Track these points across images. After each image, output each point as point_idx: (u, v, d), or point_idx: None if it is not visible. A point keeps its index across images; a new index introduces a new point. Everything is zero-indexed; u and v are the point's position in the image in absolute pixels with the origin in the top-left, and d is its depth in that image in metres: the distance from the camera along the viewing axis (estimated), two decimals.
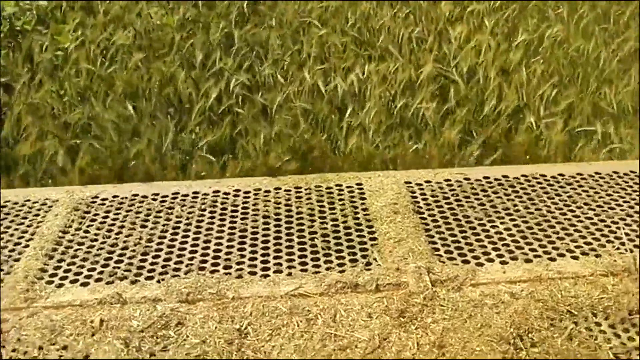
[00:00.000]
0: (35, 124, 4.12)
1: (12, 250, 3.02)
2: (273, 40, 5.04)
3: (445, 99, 4.41)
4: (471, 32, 5.13)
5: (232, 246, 3.00)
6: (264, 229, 3.13)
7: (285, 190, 3.45)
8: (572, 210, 3.26)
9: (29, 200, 3.43)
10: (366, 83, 4.50)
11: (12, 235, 3.14)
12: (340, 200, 3.35)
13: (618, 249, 2.96)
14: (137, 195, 3.44)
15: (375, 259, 2.89)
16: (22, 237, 3.12)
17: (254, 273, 2.82)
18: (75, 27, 5.15)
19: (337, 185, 3.49)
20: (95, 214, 3.29)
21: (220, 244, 3.03)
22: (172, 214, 3.27)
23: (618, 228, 3.12)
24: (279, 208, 3.29)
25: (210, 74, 4.65)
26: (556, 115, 4.23)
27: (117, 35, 5.00)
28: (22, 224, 3.23)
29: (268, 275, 2.80)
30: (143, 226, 3.18)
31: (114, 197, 3.44)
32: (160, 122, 4.15)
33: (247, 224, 3.17)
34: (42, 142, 3.98)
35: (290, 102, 4.33)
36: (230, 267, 2.86)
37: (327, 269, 2.84)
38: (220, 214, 3.26)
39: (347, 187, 3.47)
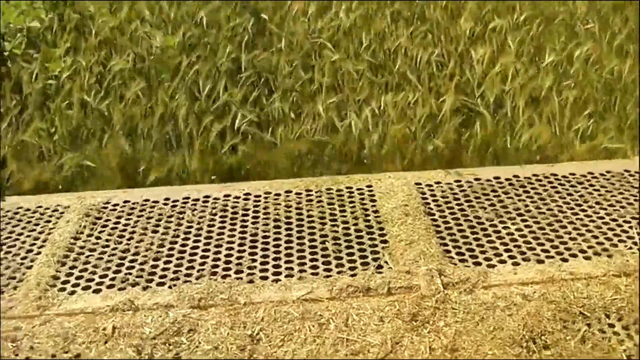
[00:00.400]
0: (22, 170, 3.95)
1: (25, 258, 3.03)
2: (282, 66, 4.72)
3: (470, 134, 4.14)
4: (495, 53, 4.76)
5: (244, 251, 3.01)
6: (274, 233, 3.13)
7: (296, 194, 3.45)
8: (583, 210, 3.25)
9: (40, 207, 3.44)
10: (383, 117, 4.19)
11: (24, 242, 3.15)
12: (350, 202, 3.35)
13: (631, 248, 2.95)
14: (148, 200, 3.45)
15: (386, 262, 2.88)
16: (34, 244, 3.13)
17: (266, 278, 2.82)
18: (68, 49, 4.90)
19: (347, 187, 3.49)
20: (107, 220, 3.29)
21: (232, 248, 3.03)
22: (183, 218, 3.28)
23: (630, 227, 3.10)
24: (289, 211, 3.29)
25: (215, 107, 4.36)
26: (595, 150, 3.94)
27: (114, 60, 4.72)
28: (34, 230, 3.24)
29: (279, 280, 2.80)
30: (154, 232, 3.18)
31: (125, 202, 3.44)
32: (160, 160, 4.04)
33: (258, 228, 3.17)
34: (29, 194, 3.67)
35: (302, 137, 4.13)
36: (242, 272, 2.86)
37: (339, 272, 2.83)
38: (231, 218, 3.26)
39: (358, 189, 3.47)
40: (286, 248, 3.01)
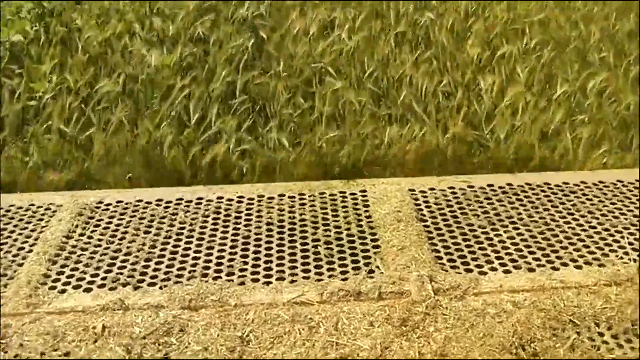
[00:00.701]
0: None
1: (16, 255, 3.03)
2: (280, 92, 4.38)
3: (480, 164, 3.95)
4: (504, 82, 4.47)
5: (235, 253, 3.01)
6: (267, 236, 3.13)
7: (289, 197, 3.45)
8: (575, 219, 3.25)
9: (33, 205, 3.44)
10: (388, 155, 3.95)
11: (15, 239, 3.15)
12: (343, 207, 3.35)
13: (621, 258, 2.95)
14: (141, 200, 3.45)
15: (377, 267, 2.89)
16: (26, 241, 3.13)
17: (257, 280, 2.82)
18: (54, 66, 4.56)
19: (341, 192, 3.49)
20: (99, 219, 3.29)
21: (223, 250, 3.03)
22: (175, 220, 3.28)
23: (622, 237, 3.11)
24: (282, 215, 3.29)
25: (206, 136, 4.03)
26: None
27: (103, 82, 4.38)
28: (26, 228, 3.24)
29: (270, 283, 2.80)
30: (147, 232, 3.18)
31: (118, 202, 3.44)
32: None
33: (250, 231, 3.17)
34: None
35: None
36: (233, 274, 2.86)
37: (330, 276, 2.84)
38: (224, 220, 3.26)
39: (351, 194, 3.47)
40: (278, 251, 3.01)
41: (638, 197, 3.44)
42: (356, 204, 3.38)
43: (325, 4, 5.35)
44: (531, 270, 2.87)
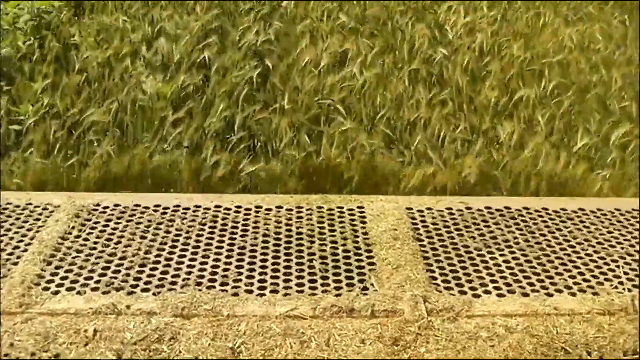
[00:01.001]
0: None
1: (11, 254, 3.02)
2: (284, 131, 4.14)
3: None
4: (524, 131, 4.33)
5: (230, 263, 3.00)
6: (262, 247, 3.13)
7: (286, 209, 3.45)
8: (572, 246, 3.25)
9: (30, 204, 3.43)
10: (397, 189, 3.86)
11: (11, 238, 3.14)
12: (340, 222, 3.35)
13: (616, 288, 2.95)
14: (138, 205, 3.45)
15: (372, 284, 2.88)
16: (22, 241, 3.12)
17: (250, 291, 2.81)
18: (47, 86, 4.39)
19: (338, 207, 3.49)
20: (96, 222, 3.29)
21: (219, 259, 3.02)
22: (172, 226, 3.27)
23: (617, 266, 3.11)
24: (279, 227, 3.29)
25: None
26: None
27: (93, 108, 4.19)
28: (22, 227, 3.23)
29: (264, 295, 2.80)
30: (142, 237, 3.18)
31: (116, 205, 3.44)
32: None
33: (246, 241, 3.17)
34: None
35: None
36: (227, 284, 2.86)
37: (324, 291, 2.83)
38: (220, 230, 3.26)
39: (349, 209, 3.47)
40: (273, 263, 3.01)
41: (638, 227, 3.44)
42: (353, 219, 3.38)
43: (337, 34, 5.27)
44: (525, 295, 2.87)
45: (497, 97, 4.64)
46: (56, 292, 2.77)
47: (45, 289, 2.79)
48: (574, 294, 2.89)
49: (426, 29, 5.39)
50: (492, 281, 2.95)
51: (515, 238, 3.29)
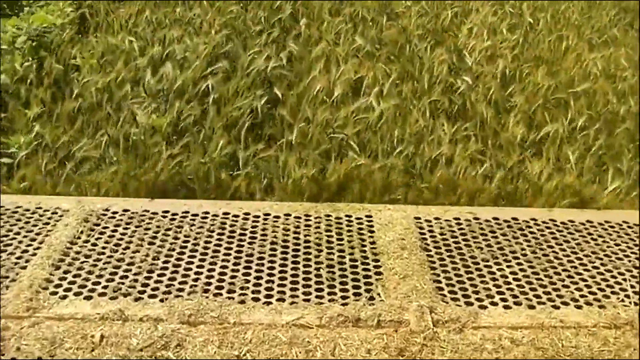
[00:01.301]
0: None
1: (20, 258, 3.04)
2: (292, 169, 3.85)
3: None
4: (553, 170, 4.07)
5: (237, 270, 3.01)
6: (270, 255, 3.13)
7: (295, 217, 3.46)
8: (579, 258, 3.25)
9: (40, 208, 3.45)
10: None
11: (20, 242, 3.16)
12: (348, 231, 3.36)
13: (622, 301, 2.95)
14: (147, 211, 3.46)
15: (378, 294, 2.89)
16: (31, 245, 3.14)
17: (257, 299, 2.82)
18: (40, 113, 4.20)
19: (347, 216, 3.49)
20: (105, 227, 3.30)
21: (226, 267, 3.03)
22: (180, 232, 3.29)
23: (624, 280, 3.11)
24: (287, 235, 3.30)
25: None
26: None
27: (82, 141, 3.97)
28: (32, 231, 3.25)
29: (271, 303, 2.80)
30: (151, 243, 3.19)
31: (125, 211, 3.45)
32: None
33: (254, 249, 3.18)
34: None
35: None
36: (234, 291, 2.87)
37: (330, 300, 2.84)
38: (229, 237, 3.27)
39: (357, 218, 3.47)
40: (280, 272, 3.02)
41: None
42: (361, 228, 3.39)
43: (353, 59, 5.01)
44: (531, 307, 2.87)
45: (524, 134, 4.35)
46: (64, 297, 2.79)
47: (53, 293, 2.81)
48: (580, 307, 2.89)
49: (445, 54, 5.15)
50: (499, 292, 2.95)
51: (522, 249, 3.29)
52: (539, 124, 4.50)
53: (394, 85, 4.70)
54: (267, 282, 2.94)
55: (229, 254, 3.13)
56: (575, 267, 3.18)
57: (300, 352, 2.55)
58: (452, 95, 4.71)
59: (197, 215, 3.44)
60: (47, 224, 3.31)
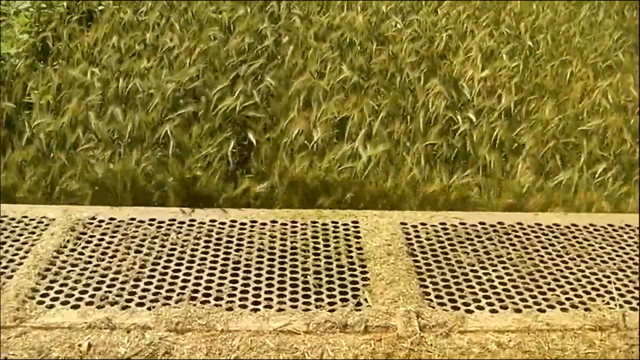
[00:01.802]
0: None
1: (5, 267, 3.03)
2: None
3: None
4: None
5: (225, 278, 3.01)
6: (257, 262, 3.14)
7: (281, 224, 3.46)
8: (564, 262, 3.27)
9: (26, 217, 3.44)
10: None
11: (6, 251, 3.15)
12: (335, 237, 3.37)
13: (608, 303, 2.97)
14: (134, 219, 3.46)
15: (365, 300, 2.90)
16: (17, 254, 3.13)
17: (245, 306, 2.83)
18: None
19: (333, 222, 3.50)
20: (91, 236, 3.30)
21: (213, 274, 3.03)
22: (167, 240, 3.29)
23: (609, 282, 3.13)
24: (273, 242, 3.30)
25: None
26: None
27: (66, 176, 3.72)
28: (18, 240, 3.24)
29: (258, 310, 2.81)
30: (137, 251, 3.19)
31: (111, 219, 3.45)
32: None
33: (241, 256, 3.18)
34: None
35: None
36: (222, 298, 2.87)
37: (317, 306, 2.84)
38: (215, 244, 3.27)
39: (343, 224, 3.48)
40: (267, 278, 3.02)
41: (633, 243, 3.46)
42: (347, 234, 3.40)
43: (338, 92, 4.54)
44: (518, 311, 2.89)
45: (531, 183, 3.97)
46: (51, 306, 2.78)
47: (40, 302, 2.80)
48: (566, 310, 2.91)
49: (440, 85, 4.64)
50: (485, 297, 2.97)
51: (508, 254, 3.30)
52: (551, 172, 4.13)
53: (383, 125, 4.27)
54: (255, 289, 2.94)
55: (216, 262, 3.13)
56: (561, 271, 3.20)
57: (288, 358, 2.55)
58: (451, 138, 4.28)
59: (183, 222, 3.44)
60: (33, 233, 3.30)
